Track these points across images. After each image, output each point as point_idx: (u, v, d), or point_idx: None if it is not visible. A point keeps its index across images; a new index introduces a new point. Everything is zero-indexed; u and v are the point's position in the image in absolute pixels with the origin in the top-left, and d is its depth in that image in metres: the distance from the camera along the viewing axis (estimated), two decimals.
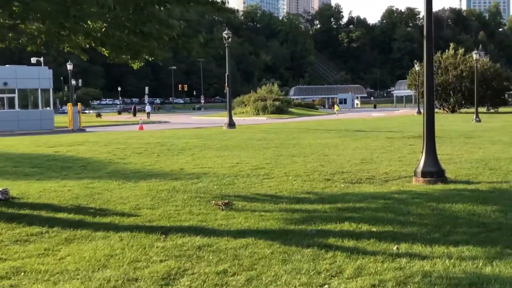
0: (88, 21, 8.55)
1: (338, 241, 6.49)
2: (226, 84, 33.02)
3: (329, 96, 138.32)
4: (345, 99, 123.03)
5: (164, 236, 6.94)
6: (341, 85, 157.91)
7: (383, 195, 9.70)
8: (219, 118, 60.82)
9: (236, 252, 6.14)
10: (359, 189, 10.57)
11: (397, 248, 6.12)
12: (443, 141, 21.51)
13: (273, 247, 6.27)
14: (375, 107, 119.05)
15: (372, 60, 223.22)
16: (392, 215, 7.91)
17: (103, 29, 8.76)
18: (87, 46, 9.50)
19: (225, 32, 32.37)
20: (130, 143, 21.39)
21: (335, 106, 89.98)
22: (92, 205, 9.24)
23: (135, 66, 11.23)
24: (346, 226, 7.30)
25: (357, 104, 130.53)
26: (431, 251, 6.00)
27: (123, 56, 10.03)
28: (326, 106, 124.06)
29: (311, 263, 5.62)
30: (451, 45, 65.51)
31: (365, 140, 22.98)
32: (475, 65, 43.50)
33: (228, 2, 9.73)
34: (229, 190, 10.72)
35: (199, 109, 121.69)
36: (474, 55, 42.28)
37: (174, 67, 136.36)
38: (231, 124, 32.84)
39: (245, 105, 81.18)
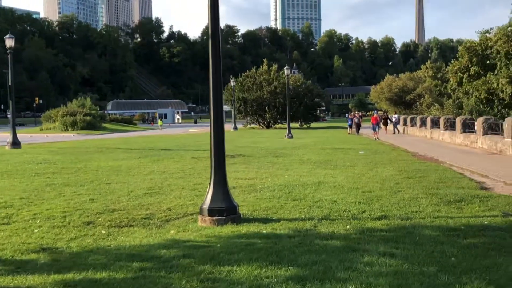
0: None
1: None
2: (9, 97, 28.10)
3: (149, 111, 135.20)
4: (165, 114, 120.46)
5: None
6: (161, 100, 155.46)
7: (146, 250, 6.92)
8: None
9: None
10: (122, 239, 7.72)
11: None
12: (251, 161, 19.64)
13: None
14: (195, 122, 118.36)
15: (194, 75, 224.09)
16: None
17: None
18: None
19: (7, 36, 27.48)
20: None
21: (159, 121, 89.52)
22: None
23: None
24: None
25: (178, 119, 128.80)
26: None
27: None
28: (147, 121, 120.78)
29: None
30: (265, 61, 66.11)
31: (167, 161, 20.27)
32: (286, 80, 43.31)
33: None
34: None
35: None
36: (286, 70, 41.93)
37: None
38: (16, 143, 28.07)
39: (54, 121, 74.95)
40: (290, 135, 38.66)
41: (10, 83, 26.94)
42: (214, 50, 8.94)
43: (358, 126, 45.81)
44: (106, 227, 8.65)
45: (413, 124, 44.28)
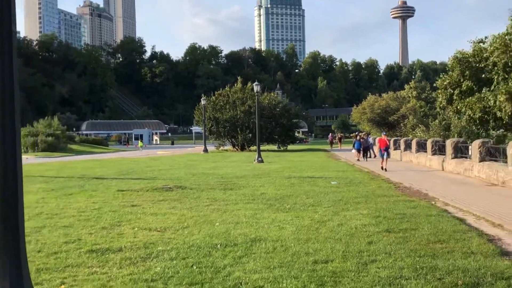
0: None
1: None
2: None
3: (126, 131, 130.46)
4: (141, 135, 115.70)
5: None
6: (138, 121, 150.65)
7: None
8: None
9: None
10: None
11: None
12: (187, 196, 15.16)
13: None
14: (172, 143, 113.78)
15: (176, 95, 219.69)
16: None
17: None
18: None
19: None
20: None
21: (139, 142, 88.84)
22: None
23: None
24: None
25: (156, 140, 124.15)
26: None
27: None
28: (122, 142, 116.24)
29: None
30: (239, 78, 61.70)
31: (80, 196, 15.77)
32: (256, 98, 38.67)
33: None
34: None
35: None
36: (255, 86, 36.91)
37: None
38: None
39: None
40: (260, 159, 34.16)
41: None
42: None
43: (366, 150, 36.78)
44: None
45: (396, 147, 39.99)
